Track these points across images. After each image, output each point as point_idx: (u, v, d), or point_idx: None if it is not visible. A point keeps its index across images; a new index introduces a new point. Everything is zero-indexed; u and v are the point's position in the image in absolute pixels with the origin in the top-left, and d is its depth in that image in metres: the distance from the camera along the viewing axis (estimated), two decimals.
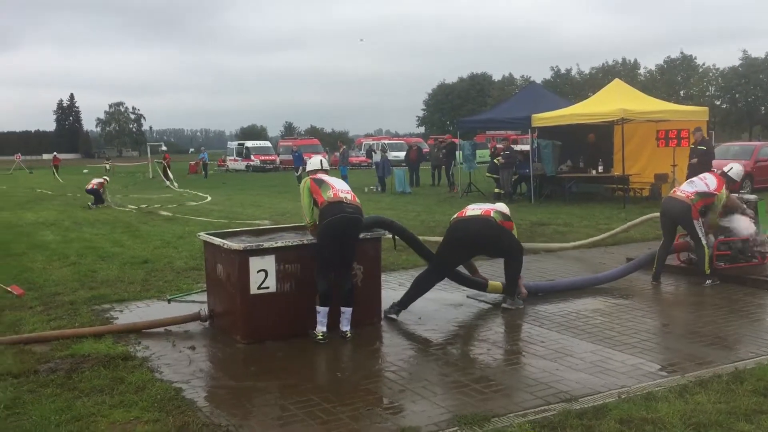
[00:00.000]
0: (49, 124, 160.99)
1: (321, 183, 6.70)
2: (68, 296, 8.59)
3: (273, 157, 52.01)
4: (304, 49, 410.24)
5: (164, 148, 42.52)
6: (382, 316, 7.17)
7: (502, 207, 7.70)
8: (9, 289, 8.87)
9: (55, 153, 61.36)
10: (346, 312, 6.56)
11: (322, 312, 6.46)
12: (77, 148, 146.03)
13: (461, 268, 7.84)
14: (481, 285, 7.89)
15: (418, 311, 7.45)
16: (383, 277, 7.50)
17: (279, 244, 6.48)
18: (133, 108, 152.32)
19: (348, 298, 6.57)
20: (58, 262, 11.21)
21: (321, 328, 6.45)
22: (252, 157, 51.08)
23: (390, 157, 49.18)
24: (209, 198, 25.29)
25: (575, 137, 20.58)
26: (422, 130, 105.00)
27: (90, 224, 16.87)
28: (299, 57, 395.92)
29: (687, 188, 8.65)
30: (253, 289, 6.35)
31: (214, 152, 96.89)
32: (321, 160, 7.17)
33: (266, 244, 6.41)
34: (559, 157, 20.89)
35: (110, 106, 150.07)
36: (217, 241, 6.69)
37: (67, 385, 5.31)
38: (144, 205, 21.81)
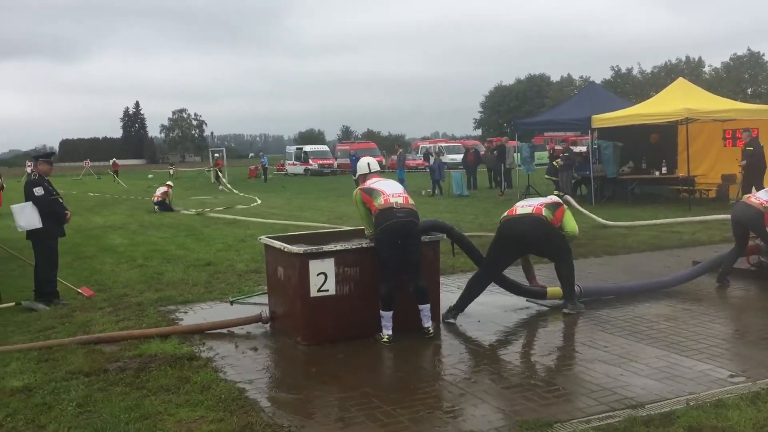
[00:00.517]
0: (116, 131, 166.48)
1: (371, 192, 6.72)
2: (136, 298, 8.85)
3: (331, 161, 52.44)
4: (361, 52, 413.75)
5: (217, 154, 43.22)
6: (441, 320, 7.13)
7: (551, 198, 7.58)
8: (80, 291, 9.19)
9: (114, 159, 63.46)
10: (424, 309, 6.61)
11: (385, 316, 6.50)
12: (142, 154, 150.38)
13: (512, 274, 7.74)
14: (541, 294, 7.76)
15: (477, 314, 7.40)
16: (441, 280, 7.48)
17: (338, 247, 6.52)
18: (195, 114, 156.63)
19: (423, 296, 6.60)
20: (126, 265, 11.57)
21: (386, 332, 6.49)
22: (310, 161, 51.63)
23: (447, 160, 49.43)
24: (259, 201, 25.74)
25: (636, 138, 20.11)
26: (479, 132, 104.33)
27: (155, 228, 17.36)
28: (356, 60, 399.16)
29: (763, 196, 8.37)
30: (313, 292, 6.41)
31: (273, 157, 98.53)
32: (368, 163, 7.18)
33: (326, 248, 6.46)
34: (621, 159, 20.45)
35: (173, 113, 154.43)
36: (277, 244, 6.78)
37: (136, 384, 5.47)
38: (207, 209, 22.30)
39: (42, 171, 9.05)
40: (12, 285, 10.00)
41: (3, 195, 19.01)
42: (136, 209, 23.22)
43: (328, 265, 6.44)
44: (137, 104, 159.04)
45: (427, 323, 6.65)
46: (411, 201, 6.71)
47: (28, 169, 48.61)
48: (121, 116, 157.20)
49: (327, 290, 6.46)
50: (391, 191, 6.69)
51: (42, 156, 9.31)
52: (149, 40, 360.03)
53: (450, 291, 8.28)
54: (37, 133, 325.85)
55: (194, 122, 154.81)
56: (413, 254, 6.59)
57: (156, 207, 22.12)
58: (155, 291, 9.25)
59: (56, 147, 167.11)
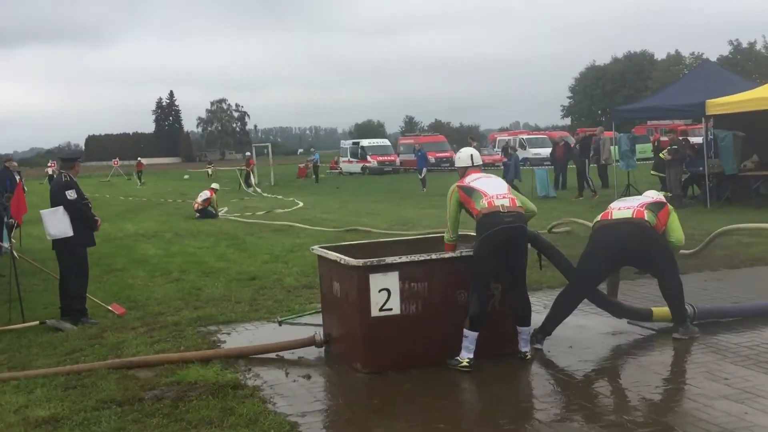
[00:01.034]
0: (147, 126, 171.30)
1: (471, 192, 6.81)
2: (172, 316, 9.10)
3: (392, 158, 52.78)
4: (426, 31, 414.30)
5: (248, 153, 43.88)
6: None
7: (652, 196, 7.43)
8: (110, 308, 9.51)
9: (139, 158, 65.77)
10: (523, 332, 6.77)
11: (470, 337, 6.54)
12: (177, 151, 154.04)
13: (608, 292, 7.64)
14: (645, 315, 7.60)
15: (567, 338, 7.32)
16: None
17: (403, 259, 6.55)
18: (236, 105, 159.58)
19: (526, 314, 6.77)
20: (161, 278, 11.91)
21: (467, 354, 6.52)
22: (368, 158, 52.04)
23: (530, 155, 49.10)
24: (300, 204, 26.06)
25: (762, 126, 19.51)
26: (567, 122, 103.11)
27: (193, 236, 17.81)
28: (421, 41, 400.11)
29: None
30: (375, 311, 6.46)
31: (325, 153, 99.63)
32: (471, 155, 7.27)
33: (389, 259, 6.50)
34: (742, 152, 19.87)
35: (212, 104, 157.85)
36: (333, 255, 6.86)
37: (174, 416, 5.62)
38: (247, 213, 22.72)
39: (73, 172, 9.43)
40: (36, 301, 10.42)
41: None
42: (171, 215, 23.85)
43: (392, 280, 6.48)
44: (171, 95, 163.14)
45: (525, 347, 6.77)
46: (518, 202, 6.80)
47: (49, 170, 50.90)
48: (154, 108, 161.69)
49: (390, 309, 6.50)
50: (494, 191, 6.78)
51: (75, 157, 9.72)
52: (185, 22, 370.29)
53: (536, 311, 8.18)
54: (61, 129, 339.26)
55: (235, 114, 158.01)
56: (519, 265, 6.72)
57: (196, 214, 22.52)
58: (193, 309, 9.49)
59: (81, 144, 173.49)
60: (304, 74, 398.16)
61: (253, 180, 39.09)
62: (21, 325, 8.82)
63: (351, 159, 54.14)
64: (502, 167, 26.62)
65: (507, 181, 25.87)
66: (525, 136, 55.08)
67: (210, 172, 59.50)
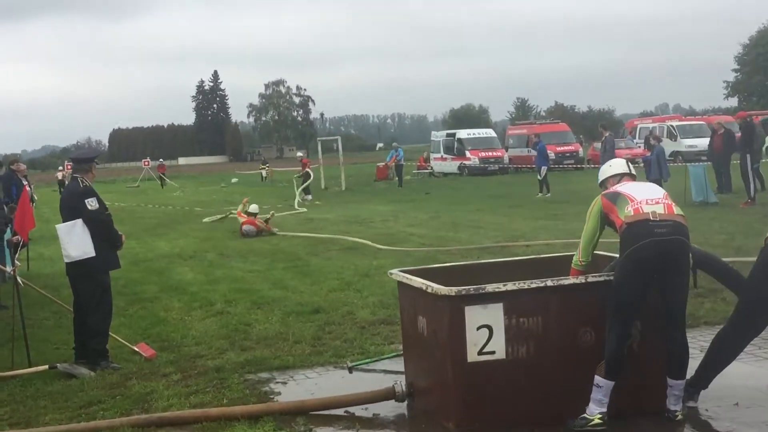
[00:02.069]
0: (186, 116, 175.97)
1: (615, 197, 6.83)
2: (213, 360, 9.27)
3: (499, 153, 52.60)
4: None
5: (300, 153, 44.21)
6: None
7: None
8: (136, 349, 9.75)
9: (161, 160, 68.11)
10: (675, 386, 6.70)
11: (604, 387, 6.50)
12: (224, 148, 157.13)
13: None
14: None
15: (732, 393, 7.17)
16: None
17: (510, 286, 6.52)
18: (298, 88, 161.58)
19: (678, 366, 6.68)
20: (200, 311, 12.16)
21: (599, 409, 6.48)
22: (467, 154, 51.96)
23: (683, 147, 48.04)
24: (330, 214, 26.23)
25: None
26: (734, 102, 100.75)
27: (241, 257, 18.13)
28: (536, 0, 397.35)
29: None
30: (472, 355, 6.45)
31: (412, 148, 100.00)
32: (627, 161, 7.45)
33: (490, 287, 6.47)
34: None
35: (266, 87, 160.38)
36: (417, 281, 6.87)
37: None
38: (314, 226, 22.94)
39: (89, 177, 9.71)
40: (46, 340, 10.78)
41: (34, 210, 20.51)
42: (214, 229, 24.34)
43: (495, 314, 6.46)
44: (215, 76, 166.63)
45: (676, 405, 6.71)
46: (677, 209, 6.74)
47: (59, 175, 52.56)
48: (194, 94, 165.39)
49: (493, 352, 6.48)
50: (643, 196, 6.77)
51: (91, 157, 10.01)
52: None
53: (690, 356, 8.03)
54: (79, 122, 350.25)
55: (296, 99, 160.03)
56: (675, 295, 6.63)
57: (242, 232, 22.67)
58: (240, 350, 9.65)
59: (105, 140, 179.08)
60: (384, 46, 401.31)
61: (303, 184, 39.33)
62: (26, 370, 9.10)
63: (445, 155, 54.14)
64: (641, 164, 26.12)
65: (650, 179, 25.49)
66: (675, 123, 53.88)
67: (264, 174, 60.72)
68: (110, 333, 9.82)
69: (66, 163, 73.32)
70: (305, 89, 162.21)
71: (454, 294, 6.41)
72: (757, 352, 7.61)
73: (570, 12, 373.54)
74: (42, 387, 8.64)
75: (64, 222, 9.49)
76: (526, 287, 6.56)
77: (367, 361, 8.66)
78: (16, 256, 11.75)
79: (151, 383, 8.46)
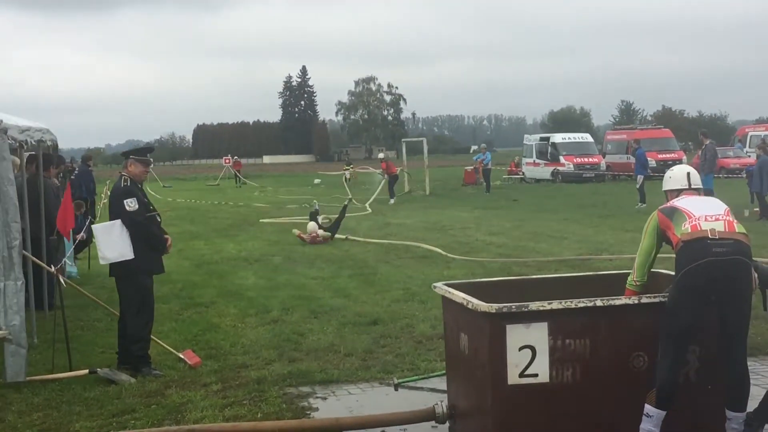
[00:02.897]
0: (272, 113, 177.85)
1: (673, 212, 6.73)
2: (257, 371, 9.35)
3: (595, 159, 51.96)
4: None
5: (381, 155, 43.87)
6: None
7: None
8: (182, 356, 9.86)
9: (235, 156, 69.11)
10: (734, 418, 6.55)
11: (654, 417, 6.41)
12: (310, 146, 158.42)
13: None
14: None
15: None
16: None
17: (555, 305, 6.42)
18: (389, 86, 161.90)
19: (738, 397, 6.52)
20: (255, 318, 12.27)
21: None
22: (562, 159, 51.51)
23: None
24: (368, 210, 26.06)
25: None
26: None
27: (309, 262, 18.24)
28: None
29: None
30: (513, 377, 6.36)
31: (509, 151, 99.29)
32: (689, 174, 7.16)
33: (534, 305, 6.38)
34: None
35: (356, 84, 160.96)
36: (458, 296, 6.81)
37: None
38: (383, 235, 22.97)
39: (133, 174, 9.81)
40: (93, 343, 10.99)
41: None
42: (286, 232, 24.46)
43: (539, 334, 6.38)
44: (303, 71, 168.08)
45: None
46: (738, 227, 6.60)
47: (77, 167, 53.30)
48: (281, 90, 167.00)
49: (536, 375, 6.40)
50: (702, 211, 6.65)
51: (133, 152, 10.12)
52: None
53: (755, 384, 7.81)
54: (164, 116, 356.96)
55: (387, 98, 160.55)
56: (734, 319, 6.50)
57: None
58: (288, 362, 9.71)
59: (189, 136, 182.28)
60: (481, 43, 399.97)
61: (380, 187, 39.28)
62: (66, 374, 9.26)
63: (537, 160, 53.78)
64: (744, 175, 25.54)
65: (751, 192, 24.82)
66: None
67: (348, 176, 60.94)
68: (156, 339, 9.97)
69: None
70: (397, 87, 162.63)
71: (494, 311, 6.32)
72: None
73: (684, 11, 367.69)
74: (80, 392, 8.78)
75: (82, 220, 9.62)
76: (573, 306, 6.46)
77: (414, 378, 8.61)
78: (76, 255, 11.97)
79: (190, 393, 8.56)
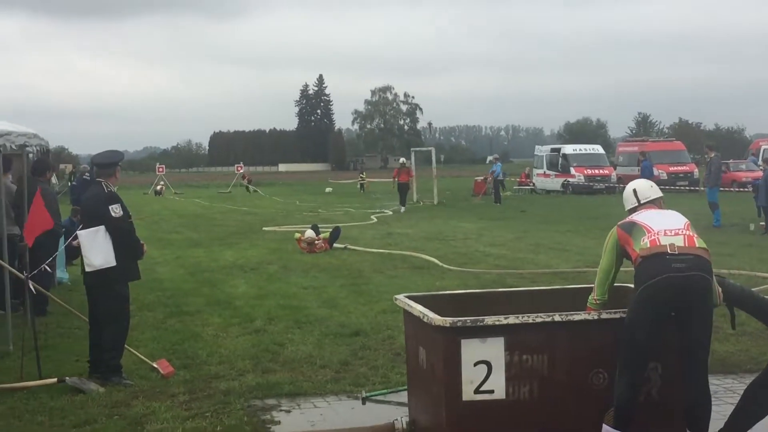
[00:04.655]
0: (289, 121, 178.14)
1: (632, 227, 6.68)
2: (228, 381, 9.24)
3: (606, 171, 51.80)
4: None
5: (403, 159, 43.62)
6: None
7: None
8: (155, 366, 9.74)
9: (242, 166, 69.97)
10: None
11: None
12: (326, 155, 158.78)
13: None
14: None
15: None
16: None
17: (512, 319, 6.32)
18: (405, 95, 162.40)
19: (699, 417, 6.42)
20: (238, 328, 12.17)
21: None
22: (572, 171, 51.39)
23: None
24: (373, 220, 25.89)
25: None
26: None
27: (303, 271, 18.14)
28: (663, 9, 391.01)
29: None
30: (468, 393, 6.29)
31: (523, 162, 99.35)
32: (635, 190, 7.13)
33: (489, 319, 6.28)
34: None
35: (372, 93, 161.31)
36: (417, 309, 6.70)
37: None
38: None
39: (115, 181, 9.79)
40: (70, 350, 10.90)
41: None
42: (288, 240, 24.34)
43: (495, 349, 6.30)
44: (320, 80, 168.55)
45: None
46: (699, 241, 6.51)
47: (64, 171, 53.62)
48: (297, 98, 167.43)
49: (491, 391, 6.32)
50: (661, 225, 6.58)
51: (114, 161, 10.05)
52: None
53: (717, 405, 7.65)
54: (180, 124, 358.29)
55: (403, 107, 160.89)
56: (696, 337, 6.40)
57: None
58: (261, 373, 9.60)
59: (205, 143, 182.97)
60: (498, 53, 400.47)
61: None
62: (35, 382, 9.15)
63: (548, 171, 53.73)
64: (750, 188, 25.35)
65: (758, 206, 24.65)
66: None
67: (361, 184, 61.00)
68: (129, 348, 9.87)
69: (160, 165, 75.48)
70: (413, 97, 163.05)
71: (448, 325, 6.23)
72: None
73: (702, 25, 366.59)
74: (47, 401, 8.65)
75: (85, 228, 9.55)
76: (531, 321, 6.37)
77: (383, 391, 8.49)
78: (52, 260, 11.87)
79: (155, 403, 8.44)
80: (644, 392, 6.44)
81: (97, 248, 9.37)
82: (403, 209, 37.62)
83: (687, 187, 46.21)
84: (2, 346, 10.44)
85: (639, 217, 6.72)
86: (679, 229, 6.48)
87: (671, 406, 6.49)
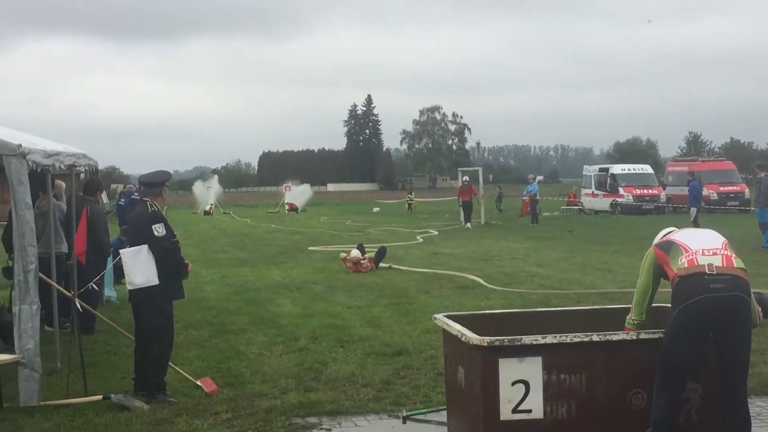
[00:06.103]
0: (337, 141, 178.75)
1: (669, 247, 6.66)
2: (270, 400, 9.30)
3: (655, 191, 51.37)
4: (724, 16, 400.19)
5: (466, 178, 43.47)
6: None
7: None
8: (199, 383, 9.84)
9: (289, 184, 70.47)
10: None
11: None
12: (374, 175, 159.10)
13: None
14: None
15: None
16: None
17: (550, 339, 6.33)
18: (454, 115, 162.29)
19: None
20: (281, 346, 12.24)
21: None
22: (621, 191, 51.02)
23: None
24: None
25: None
26: None
27: (349, 290, 18.20)
28: (719, 27, 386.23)
29: None
30: (506, 412, 6.29)
31: (575, 182, 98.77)
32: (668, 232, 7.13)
33: (527, 339, 6.28)
34: None
35: (421, 113, 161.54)
36: (455, 328, 6.72)
37: None
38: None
39: (161, 201, 9.94)
40: (116, 367, 11.05)
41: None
42: (334, 260, 24.45)
43: (533, 369, 6.31)
44: (369, 100, 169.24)
45: None
46: (737, 261, 6.49)
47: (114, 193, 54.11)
48: (346, 118, 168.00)
49: (529, 411, 6.32)
50: (699, 245, 6.55)
51: (162, 181, 10.19)
52: (387, 5, 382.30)
53: (761, 425, 7.58)
54: (230, 143, 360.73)
55: (452, 127, 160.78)
56: (734, 358, 6.35)
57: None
58: (304, 391, 9.65)
59: (254, 163, 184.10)
60: (548, 72, 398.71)
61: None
62: (80, 399, 9.30)
63: (596, 191, 53.35)
64: None
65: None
66: None
67: (409, 204, 60.96)
68: (175, 366, 9.97)
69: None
70: (461, 116, 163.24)
71: (486, 344, 6.24)
72: None
73: (754, 42, 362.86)
74: (91, 418, 8.79)
75: (129, 247, 9.69)
76: (569, 341, 6.37)
77: (424, 411, 8.48)
78: (100, 279, 12.04)
79: (198, 421, 8.54)
80: (683, 413, 6.40)
81: (138, 267, 9.48)
82: (469, 225, 37.91)
83: (738, 207, 45.74)
84: (50, 363, 10.55)
85: (677, 236, 6.71)
86: (717, 249, 6.44)
87: (711, 427, 6.44)
